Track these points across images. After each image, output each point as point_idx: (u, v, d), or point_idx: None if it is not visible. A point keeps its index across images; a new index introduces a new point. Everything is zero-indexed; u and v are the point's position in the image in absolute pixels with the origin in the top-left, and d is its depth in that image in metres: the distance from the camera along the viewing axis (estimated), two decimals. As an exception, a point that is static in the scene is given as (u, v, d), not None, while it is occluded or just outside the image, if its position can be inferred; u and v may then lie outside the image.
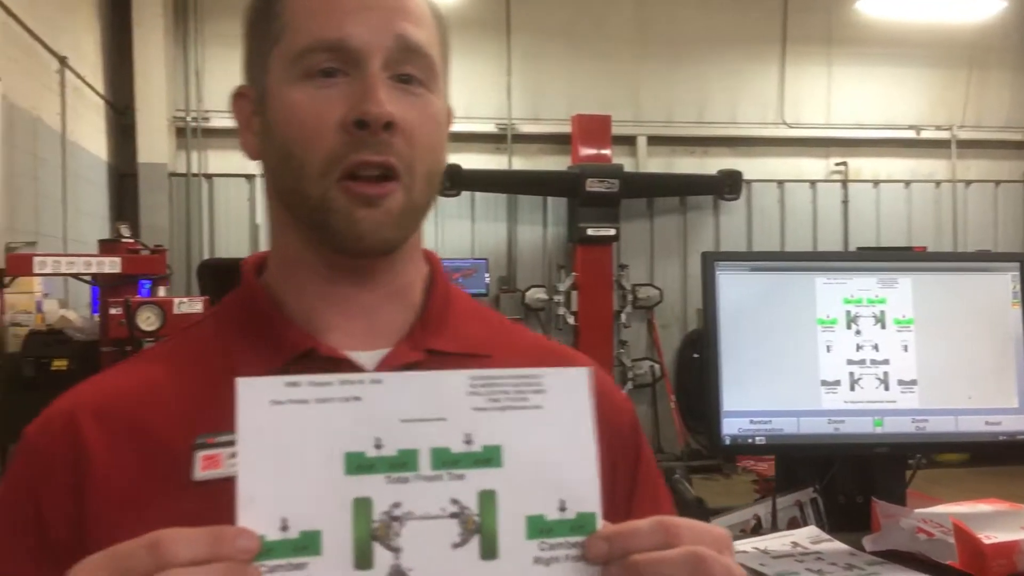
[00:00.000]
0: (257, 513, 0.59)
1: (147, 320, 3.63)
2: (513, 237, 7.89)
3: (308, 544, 0.60)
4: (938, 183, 8.56)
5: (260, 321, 0.83)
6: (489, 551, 0.62)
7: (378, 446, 0.62)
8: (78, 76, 5.76)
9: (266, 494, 0.60)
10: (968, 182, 8.61)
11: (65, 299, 5.08)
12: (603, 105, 7.70)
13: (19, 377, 3.91)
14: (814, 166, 8.42)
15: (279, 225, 0.85)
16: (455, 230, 7.66)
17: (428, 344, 0.83)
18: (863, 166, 8.45)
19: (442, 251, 7.09)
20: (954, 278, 1.63)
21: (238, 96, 0.86)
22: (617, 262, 7.75)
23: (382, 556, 0.60)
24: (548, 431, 0.64)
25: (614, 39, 7.90)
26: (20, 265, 3.46)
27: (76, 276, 4.17)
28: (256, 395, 0.61)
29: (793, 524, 1.67)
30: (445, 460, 0.62)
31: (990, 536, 1.39)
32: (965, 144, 8.47)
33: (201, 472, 0.74)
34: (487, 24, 7.49)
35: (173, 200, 7.12)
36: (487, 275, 7.46)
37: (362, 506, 0.61)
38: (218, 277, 4.89)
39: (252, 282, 0.86)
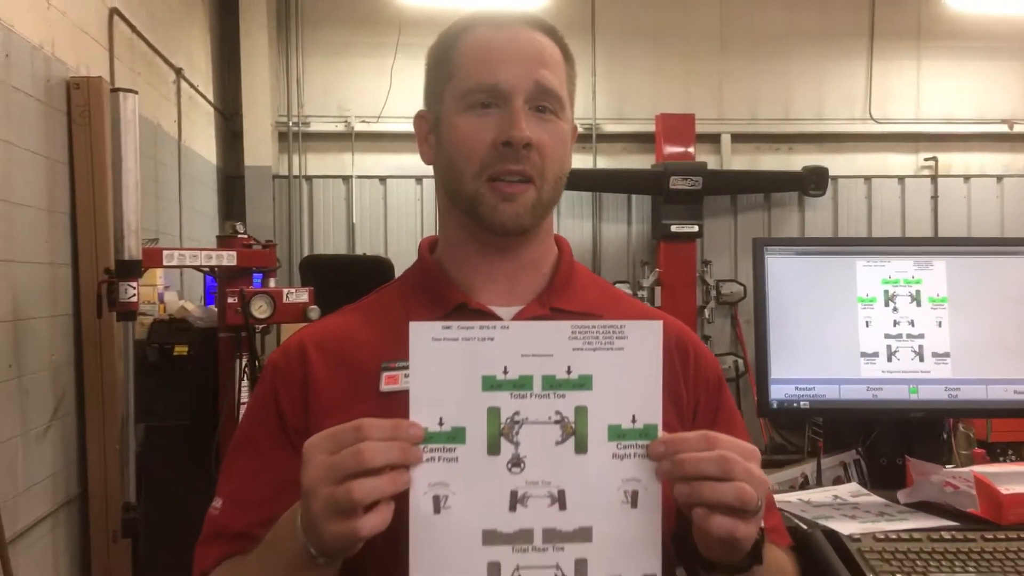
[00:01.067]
0: (422, 413, 0.87)
1: (260, 308, 3.85)
2: (597, 234, 8.05)
3: (456, 436, 0.87)
4: (1032, 177, 8.37)
5: (430, 284, 1.13)
6: (581, 448, 0.88)
7: (505, 372, 0.88)
8: (192, 86, 6.18)
9: (428, 400, 0.87)
10: (1065, 177, 8.40)
11: (181, 291, 5.50)
12: (687, 104, 7.79)
13: (143, 362, 4.12)
14: (902, 161, 8.31)
15: (445, 215, 1.15)
16: (541, 227, 7.84)
17: (553, 303, 1.11)
18: (953, 161, 8.31)
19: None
20: (986, 260, 1.77)
21: (418, 118, 1.16)
22: (701, 258, 7.84)
23: (506, 447, 0.88)
24: (626, 365, 0.89)
25: (697, 38, 7.98)
26: (152, 258, 3.80)
27: (198, 268, 4.52)
28: (423, 334, 0.88)
29: (837, 483, 1.84)
30: (551, 384, 0.88)
31: (1009, 488, 1.55)
32: (1061, 138, 8.27)
33: (385, 386, 1.04)
34: (572, 25, 7.65)
35: (276, 200, 7.50)
36: (572, 271, 7.63)
37: (493, 413, 0.88)
38: (318, 271, 5.23)
39: (426, 256, 1.17)
